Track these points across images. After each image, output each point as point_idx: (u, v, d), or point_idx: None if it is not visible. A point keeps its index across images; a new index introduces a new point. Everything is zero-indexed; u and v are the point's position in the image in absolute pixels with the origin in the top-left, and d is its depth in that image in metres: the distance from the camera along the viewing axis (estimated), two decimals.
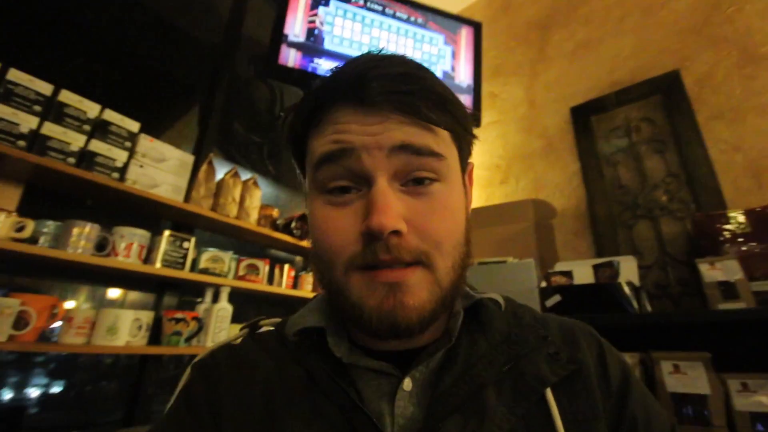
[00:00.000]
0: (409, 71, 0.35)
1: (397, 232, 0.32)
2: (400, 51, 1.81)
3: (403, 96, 0.34)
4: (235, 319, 1.38)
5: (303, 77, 1.63)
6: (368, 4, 1.79)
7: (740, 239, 1.15)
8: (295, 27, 1.65)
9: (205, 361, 0.41)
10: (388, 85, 0.34)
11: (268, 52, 1.61)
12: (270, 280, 1.55)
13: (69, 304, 1.35)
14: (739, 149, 1.32)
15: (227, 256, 1.43)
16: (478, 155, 2.04)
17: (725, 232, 1.17)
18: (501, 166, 1.95)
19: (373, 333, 0.33)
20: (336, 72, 0.37)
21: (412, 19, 1.86)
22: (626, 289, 1.09)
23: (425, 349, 0.37)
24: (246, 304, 1.55)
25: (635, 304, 1.08)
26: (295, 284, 1.64)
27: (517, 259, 1.39)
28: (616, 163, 1.58)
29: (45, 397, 1.56)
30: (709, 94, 1.42)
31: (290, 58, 1.62)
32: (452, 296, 0.36)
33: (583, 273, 1.25)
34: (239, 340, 0.44)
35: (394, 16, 1.82)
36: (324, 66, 1.65)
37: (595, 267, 1.22)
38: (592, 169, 1.62)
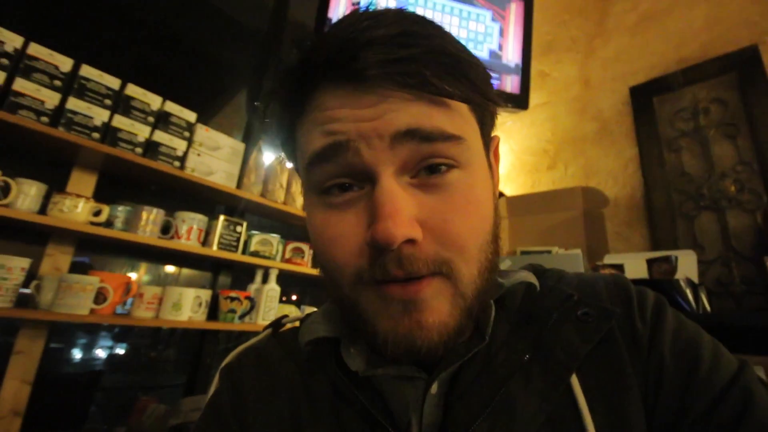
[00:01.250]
0: (408, 29, 0.28)
1: (411, 241, 0.27)
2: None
3: (404, 65, 0.27)
4: (282, 299, 1.46)
5: None
6: None
7: None
8: (339, 10, 1.63)
9: (232, 366, 0.39)
10: (382, 51, 0.26)
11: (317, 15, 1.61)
12: (314, 263, 1.61)
13: (135, 276, 1.48)
14: None
15: (275, 240, 1.50)
16: (524, 139, 1.96)
17: None
18: (549, 150, 1.87)
19: (390, 357, 0.29)
20: (318, 41, 0.29)
21: None
22: (684, 287, 1.03)
23: (453, 349, 0.31)
24: (292, 285, 1.63)
25: (692, 303, 1.03)
26: None
27: (564, 249, 1.35)
28: (679, 148, 1.47)
29: (115, 361, 1.74)
30: None
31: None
32: (479, 306, 0.30)
33: (635, 267, 1.20)
34: (263, 342, 0.41)
35: None
36: None
37: (650, 261, 1.16)
38: (652, 155, 1.51)
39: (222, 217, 1.30)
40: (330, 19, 1.62)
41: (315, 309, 0.41)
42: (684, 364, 0.29)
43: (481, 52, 1.77)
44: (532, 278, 0.35)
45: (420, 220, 0.27)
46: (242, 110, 1.73)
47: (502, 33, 1.79)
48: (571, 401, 0.29)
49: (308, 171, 0.30)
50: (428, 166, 0.28)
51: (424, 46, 0.27)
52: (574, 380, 0.30)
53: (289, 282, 1.54)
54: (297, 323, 0.42)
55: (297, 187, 1.55)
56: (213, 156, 1.29)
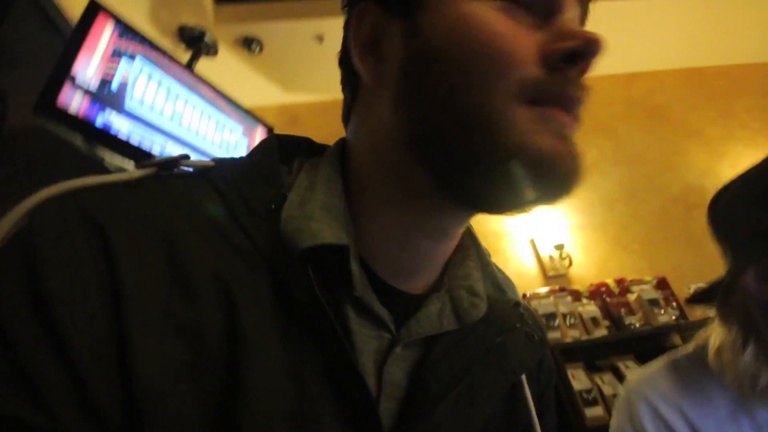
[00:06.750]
0: None
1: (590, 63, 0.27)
2: (203, 129, 1.89)
3: None
4: None
5: (85, 129, 1.44)
6: (176, 74, 1.83)
7: None
8: (88, 70, 1.48)
9: (85, 200, 0.24)
10: None
11: (46, 86, 1.36)
12: None
13: None
14: None
15: None
16: None
17: None
18: None
19: (535, 183, 0.26)
20: None
21: (216, 104, 2.01)
22: None
23: (426, 313, 0.31)
24: None
25: None
26: None
27: None
28: None
29: None
30: None
31: (74, 101, 1.42)
32: None
33: None
34: (145, 183, 0.28)
35: (200, 96, 1.92)
36: (117, 125, 1.53)
37: None
38: None
39: None
40: (74, 77, 1.42)
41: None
42: (549, 392, 0.42)
43: None
44: (515, 294, 0.39)
45: None
46: None
47: (248, 149, 2.13)
48: (520, 393, 0.35)
49: None
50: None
51: None
52: (524, 378, 0.36)
53: None
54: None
55: None
56: None
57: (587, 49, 0.26)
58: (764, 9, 2.24)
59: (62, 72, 1.39)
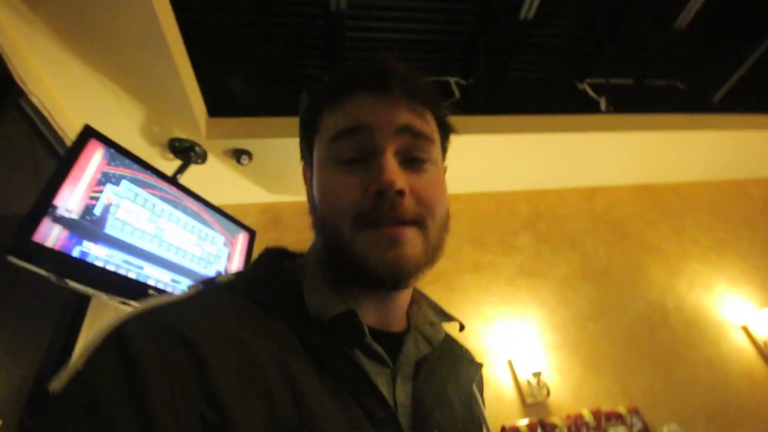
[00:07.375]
0: (415, 74, 0.45)
1: (400, 193, 0.39)
2: (184, 245, 1.86)
3: (414, 91, 0.44)
4: None
5: (60, 262, 1.37)
6: (163, 192, 1.83)
7: None
8: (71, 200, 1.45)
9: (168, 324, 0.31)
10: (402, 80, 0.44)
11: (23, 222, 1.31)
12: None
13: None
14: None
15: None
16: None
17: None
18: None
19: (376, 281, 0.39)
20: (355, 67, 0.46)
21: (200, 215, 2.01)
22: None
23: (409, 348, 0.46)
24: None
25: None
26: None
27: None
28: None
29: None
30: None
31: (51, 236, 1.37)
32: (437, 253, 0.44)
33: None
34: (207, 297, 0.40)
35: (184, 210, 1.91)
36: (95, 252, 1.49)
37: None
38: None
39: None
40: (55, 208, 1.39)
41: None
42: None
43: (209, 272, 1.97)
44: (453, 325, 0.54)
45: (405, 186, 0.40)
46: None
47: (229, 257, 2.11)
48: (474, 401, 0.52)
49: (332, 142, 0.43)
50: (412, 158, 0.43)
51: (424, 87, 0.46)
52: (475, 388, 0.52)
53: None
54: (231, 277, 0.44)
55: None
56: None
57: (383, 191, 0.39)
58: (702, 133, 2.54)
59: (42, 208, 1.35)
